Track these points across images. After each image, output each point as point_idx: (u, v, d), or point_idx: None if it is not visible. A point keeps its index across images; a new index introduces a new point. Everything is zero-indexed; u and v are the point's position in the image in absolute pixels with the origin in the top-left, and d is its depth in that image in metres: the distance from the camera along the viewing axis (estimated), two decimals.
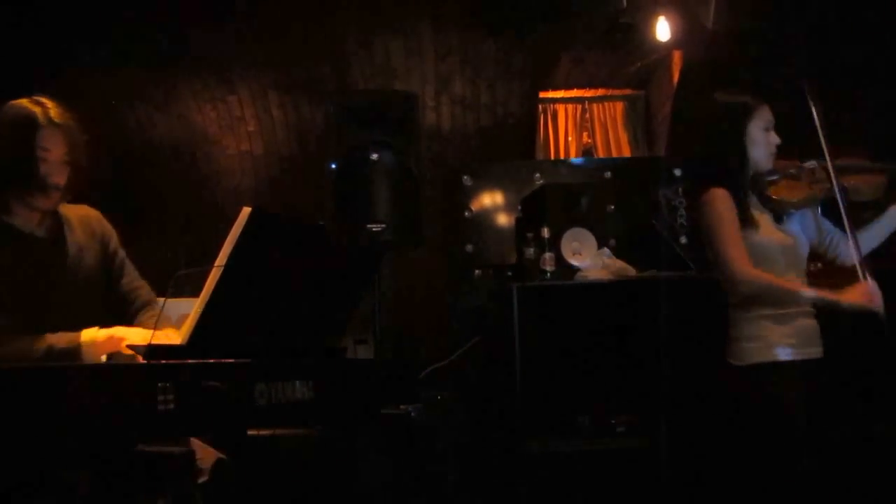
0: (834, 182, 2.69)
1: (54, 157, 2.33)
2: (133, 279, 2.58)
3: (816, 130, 2.75)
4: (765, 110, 2.82)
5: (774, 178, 2.81)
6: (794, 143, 2.87)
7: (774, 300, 2.70)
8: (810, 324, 2.76)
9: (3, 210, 2.34)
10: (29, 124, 2.29)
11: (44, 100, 2.37)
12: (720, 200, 2.72)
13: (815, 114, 2.74)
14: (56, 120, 2.33)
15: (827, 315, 2.77)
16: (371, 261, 2.87)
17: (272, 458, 2.79)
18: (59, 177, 2.34)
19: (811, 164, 2.81)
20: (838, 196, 2.68)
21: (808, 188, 2.79)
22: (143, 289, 2.59)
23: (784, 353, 2.69)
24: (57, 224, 2.45)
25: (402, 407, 3.52)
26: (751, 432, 2.69)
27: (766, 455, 2.66)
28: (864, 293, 2.59)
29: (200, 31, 5.21)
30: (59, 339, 2.23)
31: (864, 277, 2.62)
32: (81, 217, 2.52)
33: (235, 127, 5.76)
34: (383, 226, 4.03)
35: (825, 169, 2.73)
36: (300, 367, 2.19)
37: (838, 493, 2.88)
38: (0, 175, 2.31)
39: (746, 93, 2.87)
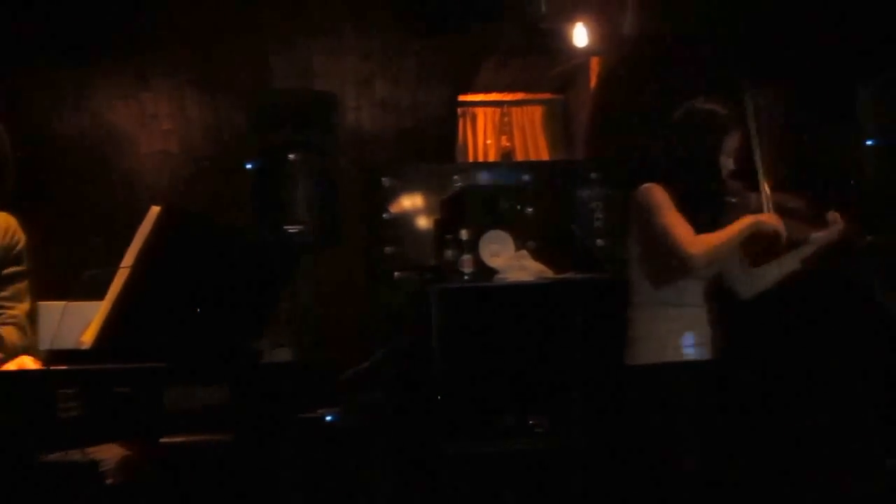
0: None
1: None
2: (14, 295, 2.48)
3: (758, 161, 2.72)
4: (736, 136, 2.76)
5: (718, 202, 2.76)
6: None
7: (722, 259, 2.73)
8: (705, 329, 2.79)
9: None
10: None
11: None
12: (656, 189, 2.71)
13: (755, 147, 2.72)
14: None
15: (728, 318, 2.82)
16: (288, 262, 2.83)
17: (185, 465, 2.73)
18: None
19: (754, 195, 2.76)
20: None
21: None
22: (16, 309, 2.48)
23: (675, 354, 2.72)
24: None
25: (320, 411, 3.49)
26: (646, 434, 2.74)
27: (660, 456, 2.71)
28: (773, 218, 2.65)
29: (114, 26, 5.09)
30: None
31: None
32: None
33: (150, 125, 5.63)
34: (302, 227, 3.98)
35: (762, 204, 2.71)
36: (213, 371, 2.14)
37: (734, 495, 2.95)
38: None
39: (727, 107, 2.79)
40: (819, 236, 2.77)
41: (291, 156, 4.11)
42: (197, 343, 2.18)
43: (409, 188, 4.52)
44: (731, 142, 2.75)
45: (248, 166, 4.14)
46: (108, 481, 2.15)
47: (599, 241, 4.26)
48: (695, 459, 2.68)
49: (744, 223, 2.66)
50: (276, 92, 5.07)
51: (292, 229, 3.95)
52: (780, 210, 2.73)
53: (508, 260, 3.81)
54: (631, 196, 2.79)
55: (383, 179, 4.50)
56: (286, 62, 5.62)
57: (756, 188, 2.75)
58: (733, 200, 2.77)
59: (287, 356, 4.14)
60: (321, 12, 5.65)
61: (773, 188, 2.73)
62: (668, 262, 2.70)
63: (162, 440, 2.35)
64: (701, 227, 2.68)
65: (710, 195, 2.74)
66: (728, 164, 2.77)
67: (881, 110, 4.25)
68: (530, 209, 4.06)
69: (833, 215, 2.78)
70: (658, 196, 2.69)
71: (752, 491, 3.50)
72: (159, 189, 5.63)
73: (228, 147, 5.51)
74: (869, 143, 4.29)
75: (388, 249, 4.42)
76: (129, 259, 1.93)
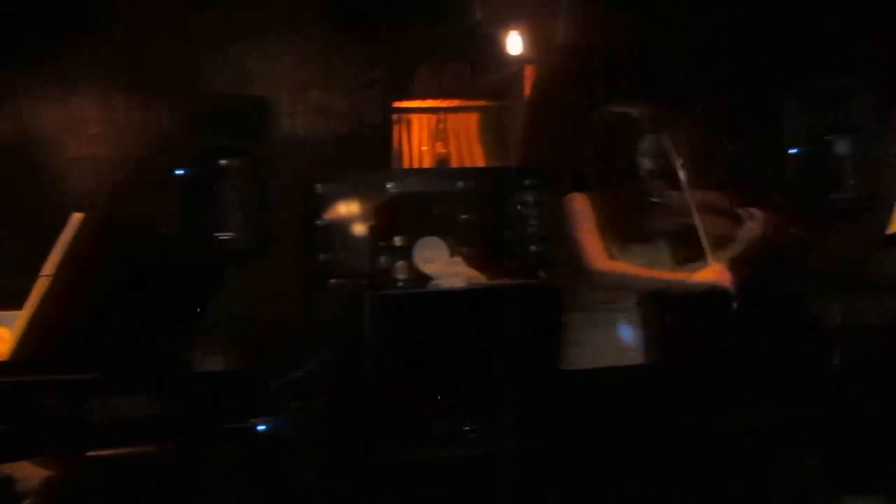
0: (697, 223, 2.72)
1: None
2: None
3: (679, 163, 2.76)
4: (652, 136, 2.80)
5: (641, 203, 2.80)
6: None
7: (631, 289, 2.76)
8: (639, 332, 2.84)
9: None
10: None
11: None
12: (579, 200, 2.75)
13: (669, 149, 2.76)
14: None
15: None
16: (219, 269, 2.80)
17: (113, 480, 2.66)
18: None
19: (677, 194, 2.80)
20: (700, 234, 2.73)
21: (670, 221, 2.81)
22: None
23: (610, 359, 2.76)
24: None
25: (252, 420, 3.44)
26: (581, 436, 2.78)
27: (596, 457, 2.75)
28: (715, 272, 2.67)
29: (40, 27, 4.96)
30: None
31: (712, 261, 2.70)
32: None
33: (77, 129, 5.49)
34: (234, 234, 3.94)
35: (686, 202, 2.74)
36: (140, 382, 2.10)
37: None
38: None
39: (641, 109, 2.84)
40: (744, 232, 2.83)
41: (223, 162, 4.07)
42: (123, 353, 2.14)
43: (343, 195, 4.50)
44: (647, 143, 2.80)
45: (179, 172, 4.08)
46: (27, 501, 2.08)
47: (533, 248, 4.29)
48: (631, 464, 2.72)
49: (675, 280, 2.71)
50: (208, 97, 5.00)
51: (224, 236, 3.91)
52: (705, 208, 2.77)
53: (442, 266, 3.82)
54: (558, 205, 2.82)
55: (317, 186, 4.47)
56: (219, 67, 5.54)
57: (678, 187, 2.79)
58: (656, 200, 2.81)
59: (219, 365, 4.08)
60: (255, 17, 5.59)
61: (696, 188, 2.77)
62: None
63: (87, 455, 2.29)
64: (625, 229, 2.72)
65: (630, 197, 2.78)
66: (647, 164, 2.81)
67: (804, 120, 4.39)
68: (465, 216, 4.08)
69: (749, 211, 2.84)
70: (576, 207, 2.74)
71: (685, 493, 3.56)
72: (86, 195, 5.50)
73: (158, 153, 5.41)
74: (792, 151, 4.43)
75: (322, 256, 4.38)
76: (49, 267, 1.88)
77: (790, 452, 3.77)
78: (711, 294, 2.70)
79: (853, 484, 3.63)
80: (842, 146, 4.28)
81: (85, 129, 5.51)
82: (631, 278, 2.71)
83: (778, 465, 3.75)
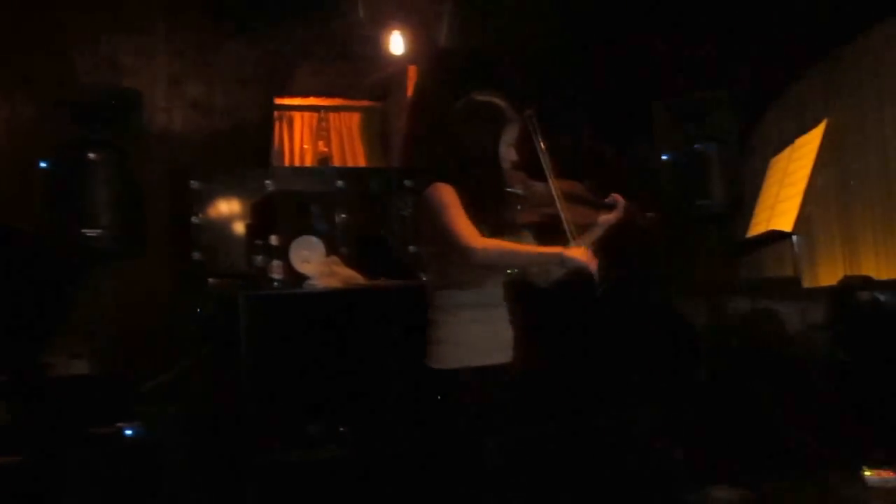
0: (561, 212, 2.75)
1: None
2: None
3: (542, 153, 2.80)
4: (515, 126, 2.79)
5: (504, 194, 2.78)
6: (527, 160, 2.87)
7: (508, 266, 2.74)
8: (508, 331, 2.85)
9: None
10: None
11: None
12: (443, 189, 2.68)
13: (537, 141, 2.78)
14: None
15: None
16: (82, 267, 2.69)
17: None
18: None
19: (539, 185, 2.82)
20: (564, 222, 2.76)
21: (532, 212, 2.81)
22: None
23: (481, 359, 2.74)
24: None
25: (117, 425, 3.32)
26: (448, 435, 2.77)
27: (462, 458, 2.75)
28: (582, 252, 2.68)
29: None
30: None
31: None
32: None
33: None
34: (101, 230, 3.79)
35: (549, 194, 2.77)
36: None
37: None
38: None
39: (504, 100, 2.81)
40: (605, 218, 2.91)
41: (92, 155, 3.92)
42: None
43: (219, 192, 4.41)
44: (510, 133, 2.78)
45: (42, 165, 3.90)
46: None
47: (411, 248, 4.31)
48: (497, 462, 2.74)
49: (549, 253, 2.69)
50: (76, 87, 4.81)
51: (91, 233, 3.75)
52: (567, 197, 2.81)
53: (319, 266, 3.78)
54: (419, 198, 2.77)
55: (192, 182, 4.35)
56: (90, 57, 5.35)
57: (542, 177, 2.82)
58: (520, 192, 2.80)
59: (83, 368, 3.91)
60: (129, 6, 5.42)
61: (559, 178, 2.80)
62: (455, 260, 2.69)
63: None
64: (489, 220, 2.70)
65: (493, 187, 2.75)
66: (510, 154, 2.80)
67: (674, 128, 4.57)
68: (343, 215, 4.06)
69: (614, 196, 2.92)
70: (443, 194, 2.67)
71: (554, 489, 3.64)
72: None
73: (22, 143, 5.18)
74: (664, 157, 4.60)
75: (196, 255, 4.27)
76: None
77: (656, 447, 3.90)
78: (578, 276, 2.71)
79: (717, 477, 3.79)
80: (707, 154, 4.48)
81: None
82: (508, 254, 2.67)
83: (644, 459, 3.88)
